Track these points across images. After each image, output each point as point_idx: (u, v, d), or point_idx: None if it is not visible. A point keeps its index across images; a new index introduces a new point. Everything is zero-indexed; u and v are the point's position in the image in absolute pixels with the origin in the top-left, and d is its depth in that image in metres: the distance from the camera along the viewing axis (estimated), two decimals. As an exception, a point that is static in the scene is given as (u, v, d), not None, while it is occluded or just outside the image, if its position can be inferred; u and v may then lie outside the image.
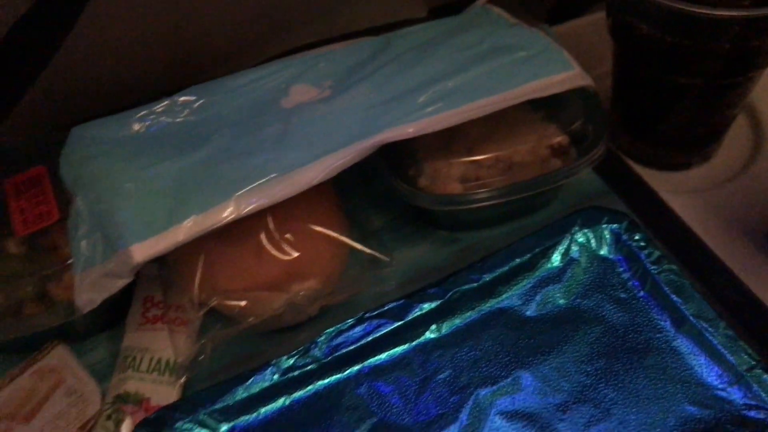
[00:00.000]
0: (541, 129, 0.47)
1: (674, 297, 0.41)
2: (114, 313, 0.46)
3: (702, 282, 0.44)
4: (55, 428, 0.41)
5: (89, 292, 0.37)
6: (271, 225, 0.42)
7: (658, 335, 0.40)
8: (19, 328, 0.42)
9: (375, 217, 0.49)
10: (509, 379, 0.39)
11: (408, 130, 0.40)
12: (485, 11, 0.51)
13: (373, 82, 0.43)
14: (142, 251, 0.36)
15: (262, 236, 0.42)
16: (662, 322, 0.41)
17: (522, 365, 0.40)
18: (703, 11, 0.40)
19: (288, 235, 0.43)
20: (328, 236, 0.44)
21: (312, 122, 0.41)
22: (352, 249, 0.45)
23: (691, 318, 0.40)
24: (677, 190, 0.50)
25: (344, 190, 0.47)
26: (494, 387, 0.39)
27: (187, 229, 0.37)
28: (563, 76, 0.44)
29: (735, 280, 0.45)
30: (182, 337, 0.44)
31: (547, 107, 0.48)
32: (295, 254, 0.42)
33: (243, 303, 0.42)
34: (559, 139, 0.47)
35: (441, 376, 0.40)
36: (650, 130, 0.50)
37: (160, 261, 0.43)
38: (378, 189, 0.52)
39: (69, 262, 0.43)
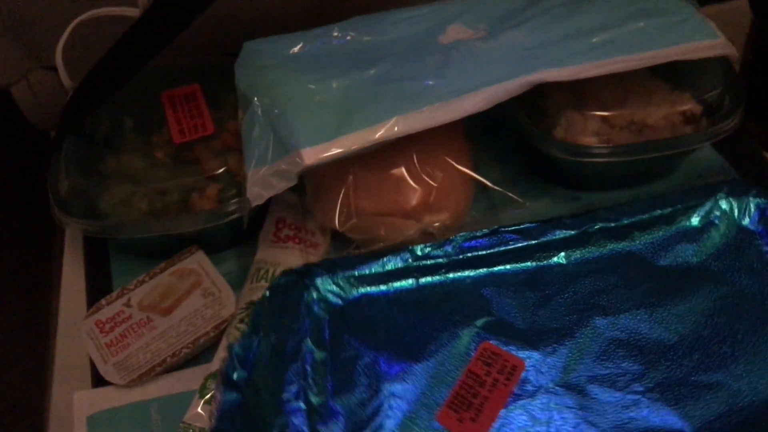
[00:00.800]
0: (673, 96, 0.49)
1: None
2: (243, 232, 0.48)
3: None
4: (191, 324, 0.43)
5: (258, 187, 0.40)
6: (414, 155, 0.44)
7: None
8: (163, 226, 0.45)
9: (506, 166, 0.51)
10: (627, 314, 0.41)
11: (564, 72, 0.42)
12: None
13: (527, 28, 0.46)
14: (311, 155, 0.39)
15: (404, 165, 0.44)
16: None
17: (642, 305, 0.42)
18: None
19: (428, 168, 0.44)
20: (463, 173, 0.46)
21: (470, 57, 0.44)
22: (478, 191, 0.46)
23: None
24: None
25: (478, 137, 0.49)
26: (611, 318, 0.41)
27: (351, 140, 0.39)
28: (709, 43, 0.45)
29: None
30: (314, 257, 0.46)
31: (681, 76, 0.49)
32: (434, 185, 0.44)
33: (380, 225, 0.43)
34: (692, 106, 0.48)
35: (561, 297, 0.42)
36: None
37: (298, 187, 0.45)
38: (498, 144, 0.53)
39: (212, 174, 0.46)
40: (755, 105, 0.52)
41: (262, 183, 0.40)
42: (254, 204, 0.40)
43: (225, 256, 0.49)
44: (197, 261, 0.46)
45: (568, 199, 0.50)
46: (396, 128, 0.40)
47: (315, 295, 0.43)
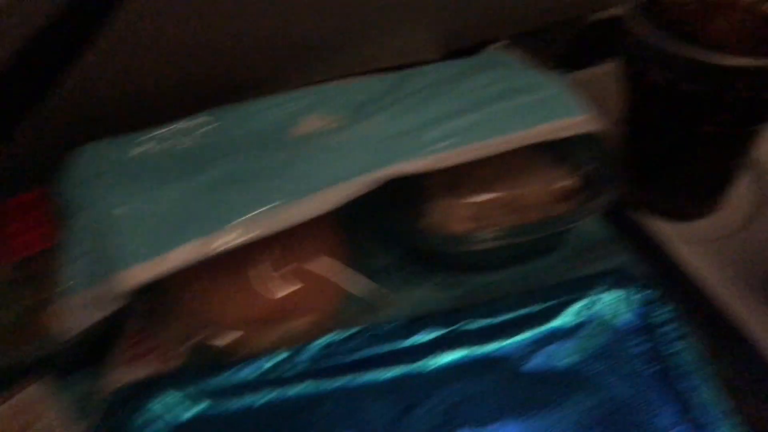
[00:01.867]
0: (550, 172, 0.48)
1: (683, 384, 0.39)
2: (98, 349, 0.44)
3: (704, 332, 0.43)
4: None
5: (77, 316, 0.36)
6: (267, 258, 0.42)
7: (654, 419, 0.39)
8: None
9: (381, 255, 0.50)
10: (495, 425, 0.39)
11: (420, 164, 0.41)
12: (498, 55, 0.52)
13: (386, 116, 0.44)
14: (135, 276, 0.36)
15: (257, 270, 0.41)
16: (664, 406, 0.39)
17: (510, 415, 0.40)
18: (717, 60, 0.40)
19: (283, 271, 0.42)
20: (333, 268, 0.43)
21: (321, 152, 0.42)
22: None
23: (697, 406, 0.38)
24: (687, 241, 0.51)
25: (351, 226, 0.47)
26: (478, 430, 0.39)
27: (183, 255, 0.37)
28: (576, 120, 0.45)
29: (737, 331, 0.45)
30: (173, 372, 0.43)
31: (556, 151, 0.48)
32: (300, 284, 0.42)
33: (232, 337, 0.41)
34: (569, 182, 0.47)
35: (424, 407, 0.40)
36: (662, 179, 0.51)
37: (152, 294, 0.42)
38: (386, 226, 0.51)
39: (57, 290, 0.42)
40: (637, 171, 0.52)
41: (82, 310, 0.36)
42: (70, 336, 0.36)
43: (76, 378, 0.45)
44: (36, 391, 0.42)
45: (449, 284, 0.48)
46: (233, 235, 0.37)
47: (149, 415, 0.39)
